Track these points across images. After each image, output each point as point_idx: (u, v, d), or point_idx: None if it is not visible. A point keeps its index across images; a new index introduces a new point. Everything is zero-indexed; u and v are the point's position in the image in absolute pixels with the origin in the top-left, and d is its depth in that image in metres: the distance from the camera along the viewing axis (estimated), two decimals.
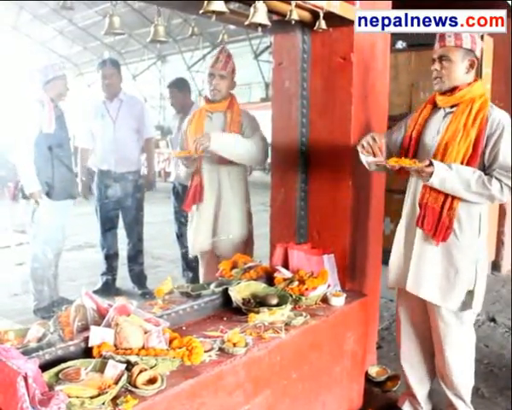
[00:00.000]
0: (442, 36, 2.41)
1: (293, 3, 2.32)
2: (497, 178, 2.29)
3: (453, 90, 2.41)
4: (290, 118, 3.01)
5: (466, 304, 2.42)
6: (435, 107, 2.53)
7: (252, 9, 2.16)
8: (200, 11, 2.01)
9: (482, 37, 5.08)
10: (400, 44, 5.63)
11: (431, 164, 2.31)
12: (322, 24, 2.52)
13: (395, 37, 5.39)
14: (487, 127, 2.32)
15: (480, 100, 2.39)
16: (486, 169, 2.34)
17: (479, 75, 5.09)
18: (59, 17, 21.31)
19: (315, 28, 2.55)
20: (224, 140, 3.05)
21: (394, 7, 2.99)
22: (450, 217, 2.37)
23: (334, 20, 2.59)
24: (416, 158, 2.44)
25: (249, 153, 3.10)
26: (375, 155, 2.49)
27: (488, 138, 2.32)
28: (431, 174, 2.30)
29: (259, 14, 2.15)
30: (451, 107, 2.44)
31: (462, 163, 2.34)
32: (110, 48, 24.38)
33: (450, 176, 2.29)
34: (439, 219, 2.39)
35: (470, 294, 2.42)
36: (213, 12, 2.01)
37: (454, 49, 2.37)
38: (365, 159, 2.60)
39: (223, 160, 3.10)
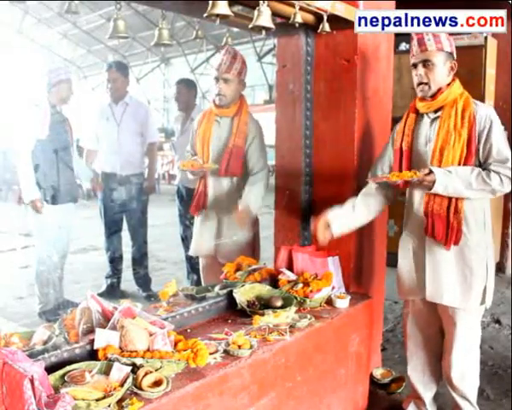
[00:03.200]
0: (421, 40, 2.40)
1: (297, 6, 2.32)
2: (495, 172, 2.31)
3: (435, 94, 2.41)
4: (294, 120, 3.01)
5: (482, 301, 2.44)
6: (418, 115, 2.53)
7: (256, 12, 2.16)
8: (204, 14, 2.01)
9: (486, 38, 5.11)
10: (404, 46, 5.61)
11: (431, 172, 2.32)
12: (326, 26, 2.52)
13: (399, 38, 5.38)
14: (476, 124, 2.33)
15: (461, 99, 2.40)
16: (483, 165, 2.36)
17: (483, 75, 5.13)
18: (63, 20, 21.36)
19: (319, 31, 2.55)
20: (258, 204, 3.11)
21: (397, 9, 3.00)
22: (458, 219, 2.37)
23: (337, 22, 2.60)
24: (412, 169, 2.45)
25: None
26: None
27: (479, 135, 2.34)
28: (433, 182, 2.31)
29: (263, 17, 2.15)
30: (435, 112, 2.45)
31: (459, 164, 2.35)
32: (114, 51, 24.46)
33: (451, 180, 2.30)
34: (447, 224, 2.38)
35: (484, 290, 2.43)
36: (217, 15, 2.01)
37: (436, 53, 2.38)
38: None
39: (227, 172, 3.11)
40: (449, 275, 2.44)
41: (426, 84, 2.41)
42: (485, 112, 2.36)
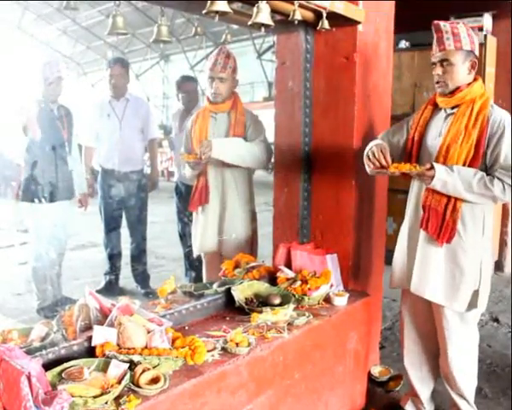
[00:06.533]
0: (440, 38, 2.37)
1: (297, 3, 2.31)
2: (499, 179, 2.28)
3: (454, 91, 2.39)
4: (293, 117, 3.01)
5: (472, 304, 2.42)
6: (436, 107, 2.52)
7: (255, 9, 2.16)
8: (204, 11, 2.01)
9: (486, 36, 5.11)
10: (403, 44, 5.62)
11: (432, 167, 2.31)
12: (325, 24, 2.52)
13: (398, 36, 5.38)
14: (488, 128, 2.31)
15: (480, 100, 2.37)
16: (488, 170, 2.33)
17: (482, 74, 5.13)
18: (62, 17, 21.36)
19: (318, 28, 2.55)
20: (226, 147, 3.06)
21: (397, 7, 3.00)
22: (454, 218, 2.37)
23: (337, 20, 2.59)
24: (419, 160, 2.45)
25: (252, 157, 3.12)
26: (382, 167, 2.44)
27: (490, 139, 2.31)
28: (432, 177, 2.30)
29: (262, 14, 2.14)
30: (452, 108, 2.43)
31: (464, 165, 2.33)
32: (113, 47, 24.45)
33: (451, 178, 2.29)
34: (442, 221, 2.38)
35: (475, 293, 2.41)
36: (217, 12, 2.00)
37: (454, 52, 2.34)
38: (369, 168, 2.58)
39: (226, 162, 3.11)
40: (437, 271, 2.44)
41: (444, 82, 2.39)
42: (500, 117, 2.33)
